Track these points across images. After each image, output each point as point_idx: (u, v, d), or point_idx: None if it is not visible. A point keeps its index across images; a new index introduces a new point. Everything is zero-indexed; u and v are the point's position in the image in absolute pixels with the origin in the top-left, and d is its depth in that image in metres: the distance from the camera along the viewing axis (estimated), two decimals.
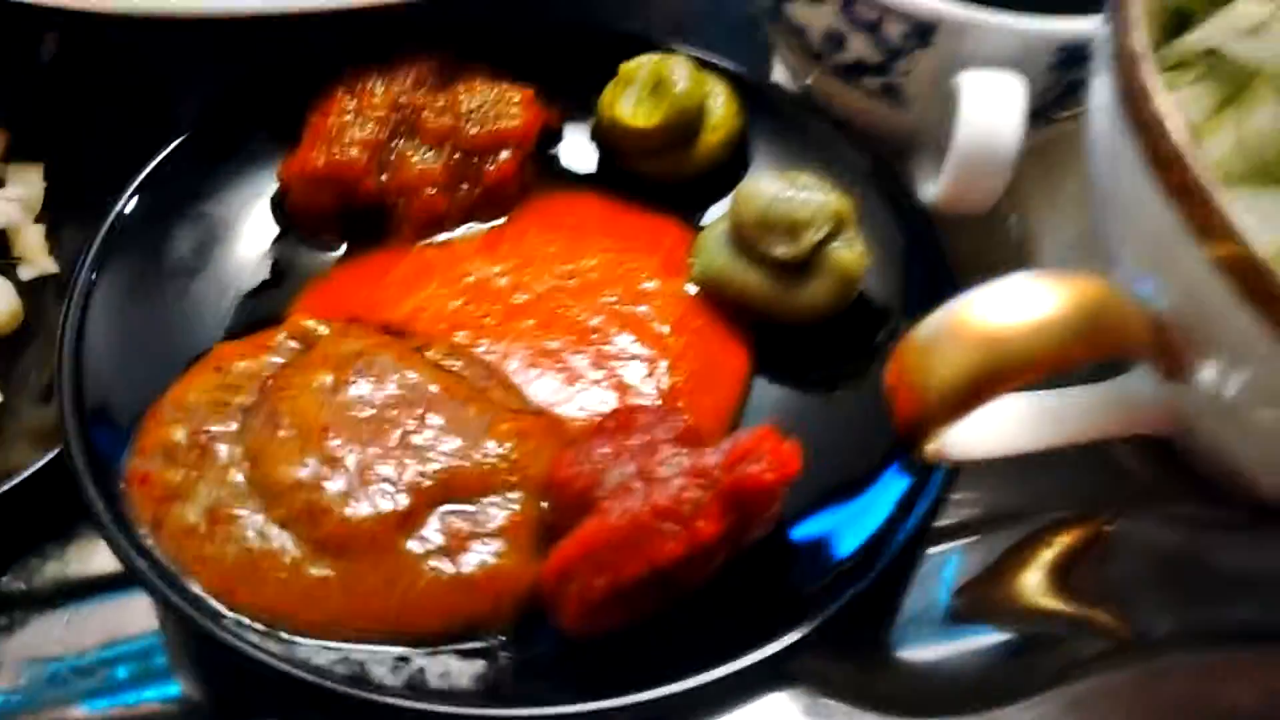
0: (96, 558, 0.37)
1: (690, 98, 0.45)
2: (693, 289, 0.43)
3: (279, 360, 0.37)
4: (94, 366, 0.37)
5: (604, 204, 0.46)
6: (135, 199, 0.41)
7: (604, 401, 0.39)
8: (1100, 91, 0.34)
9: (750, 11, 0.49)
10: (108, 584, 0.37)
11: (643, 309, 0.42)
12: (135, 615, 0.36)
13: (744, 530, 0.32)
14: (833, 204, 0.40)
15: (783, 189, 0.41)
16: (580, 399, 0.39)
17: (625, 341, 0.41)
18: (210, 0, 0.42)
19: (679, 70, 0.45)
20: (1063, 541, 0.38)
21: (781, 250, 0.40)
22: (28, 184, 0.45)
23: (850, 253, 0.41)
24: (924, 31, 0.40)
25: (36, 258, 0.44)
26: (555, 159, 0.47)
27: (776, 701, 0.33)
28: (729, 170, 0.46)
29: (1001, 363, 0.27)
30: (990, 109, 0.39)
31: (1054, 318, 0.27)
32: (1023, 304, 0.28)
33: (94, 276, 0.39)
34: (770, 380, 0.41)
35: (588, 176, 0.47)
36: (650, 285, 0.43)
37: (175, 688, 0.35)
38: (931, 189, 0.42)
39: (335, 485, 0.33)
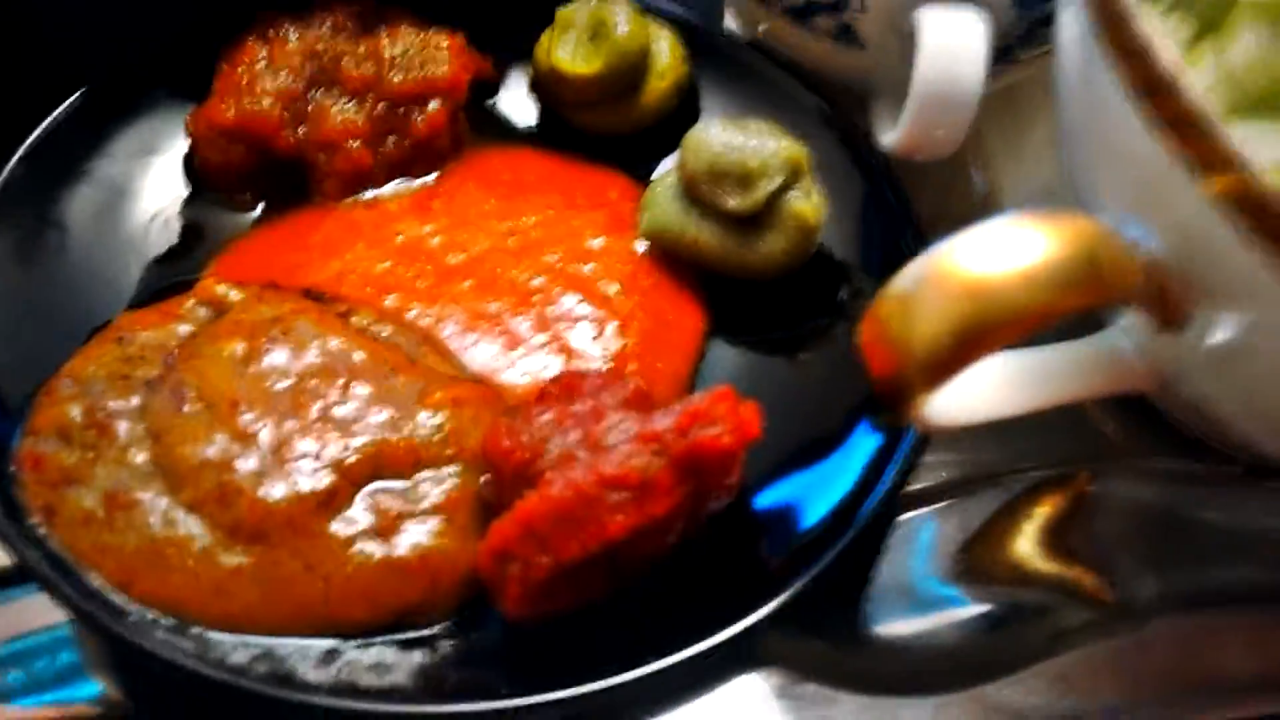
0: None
1: (632, 42, 0.41)
2: (642, 245, 0.40)
3: (187, 329, 0.34)
4: None
5: (544, 159, 0.43)
6: (28, 158, 0.37)
7: (548, 367, 0.36)
8: (1071, 24, 0.32)
9: None
10: (9, 577, 0.33)
11: (589, 268, 0.39)
12: (43, 609, 0.32)
13: (701, 501, 0.30)
14: (787, 151, 0.38)
15: (733, 136, 0.38)
16: (522, 365, 0.36)
17: (570, 302, 0.38)
18: None
19: (620, 14, 0.42)
20: (1042, 504, 0.36)
21: (734, 202, 0.38)
22: None
23: (807, 203, 0.38)
24: None
25: None
26: (490, 112, 0.44)
27: (745, 685, 0.31)
28: (676, 122, 0.44)
29: (991, 315, 0.25)
30: (951, 45, 0.36)
31: (1046, 263, 0.25)
32: (1011, 249, 0.25)
33: None
34: (727, 340, 0.39)
35: (526, 131, 0.44)
36: (596, 243, 0.40)
37: (92, 687, 0.31)
38: (891, 135, 0.39)
39: (248, 464, 0.30)
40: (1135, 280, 0.26)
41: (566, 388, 0.32)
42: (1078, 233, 0.26)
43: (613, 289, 0.39)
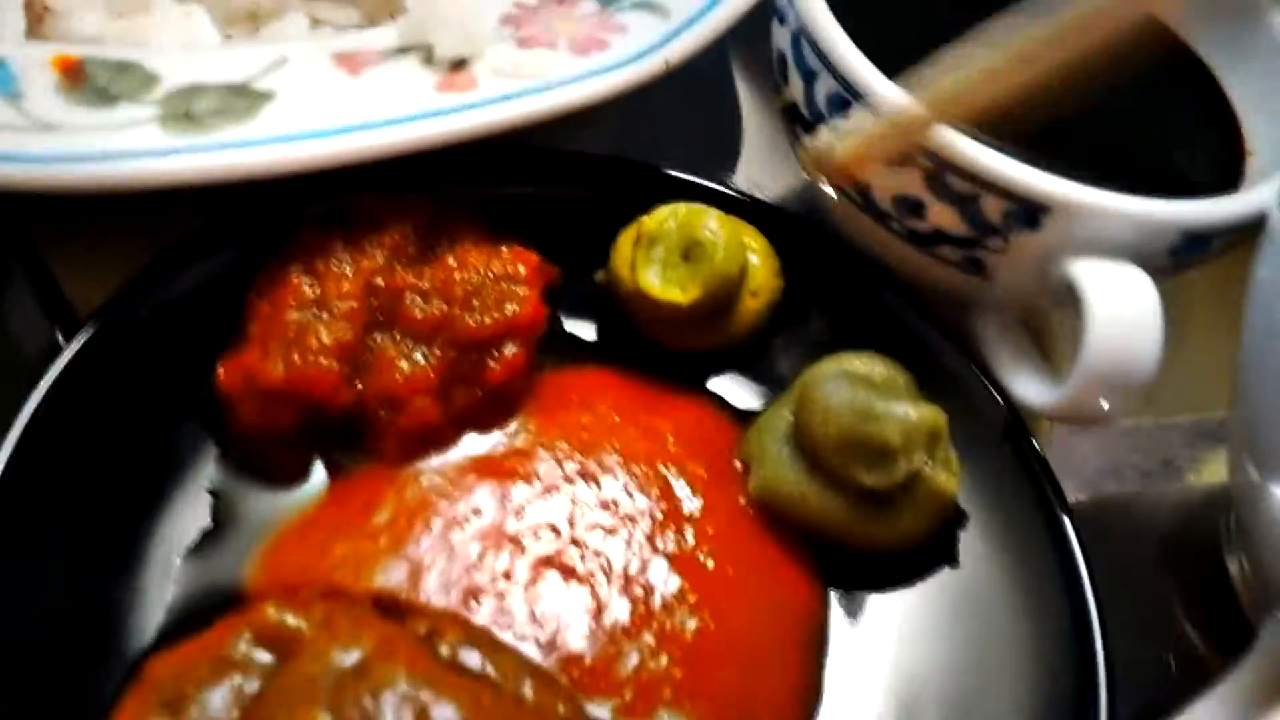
0: None
1: (731, 264, 0.36)
2: (744, 500, 0.35)
3: (251, 685, 0.27)
4: None
5: (622, 387, 0.37)
6: (20, 433, 0.30)
7: (672, 691, 0.31)
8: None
9: (794, 149, 0.41)
10: None
11: (693, 542, 0.34)
12: None
13: None
14: (929, 420, 0.33)
15: (864, 398, 0.33)
16: (638, 688, 0.31)
17: (683, 595, 0.33)
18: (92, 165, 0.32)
19: (714, 227, 0.36)
20: None
21: (870, 479, 0.33)
22: None
23: (945, 475, 0.34)
24: (1033, 213, 0.33)
25: None
26: (556, 323, 0.38)
27: None
28: (763, 335, 0.39)
29: None
30: (1126, 313, 0.32)
31: None
32: None
33: None
34: (845, 610, 0.34)
35: (596, 346, 0.38)
36: (696, 504, 0.35)
37: None
38: (1046, 396, 0.35)
39: None
40: None
41: None
42: None
43: (727, 569, 0.34)
